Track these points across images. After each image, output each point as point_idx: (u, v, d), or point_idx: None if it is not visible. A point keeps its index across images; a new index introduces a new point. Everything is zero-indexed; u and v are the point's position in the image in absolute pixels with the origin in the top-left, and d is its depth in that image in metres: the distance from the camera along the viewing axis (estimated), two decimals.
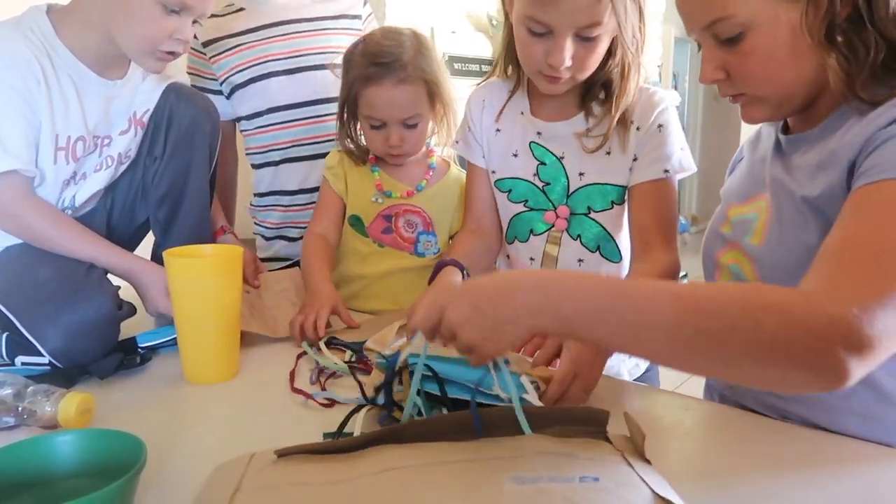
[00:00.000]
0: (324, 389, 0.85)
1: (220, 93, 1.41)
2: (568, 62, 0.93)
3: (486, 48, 3.14)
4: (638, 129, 1.03)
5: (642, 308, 0.57)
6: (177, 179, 1.14)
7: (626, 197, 1.06)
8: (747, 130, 0.93)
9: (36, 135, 0.97)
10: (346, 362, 0.93)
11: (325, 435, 0.70)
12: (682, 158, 1.03)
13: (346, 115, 1.22)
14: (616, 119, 1.01)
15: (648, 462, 0.58)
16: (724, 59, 0.74)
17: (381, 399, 0.71)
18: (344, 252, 1.26)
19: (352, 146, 1.24)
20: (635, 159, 1.04)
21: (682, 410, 0.81)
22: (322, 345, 0.97)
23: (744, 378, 0.61)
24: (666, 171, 1.01)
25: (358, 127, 1.23)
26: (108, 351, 0.91)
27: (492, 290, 0.60)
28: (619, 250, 1.09)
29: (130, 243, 1.18)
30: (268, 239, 1.48)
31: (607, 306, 0.58)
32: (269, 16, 1.37)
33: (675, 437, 0.74)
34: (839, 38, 0.68)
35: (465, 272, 1.03)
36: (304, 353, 0.97)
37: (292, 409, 0.79)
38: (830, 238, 0.62)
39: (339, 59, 1.30)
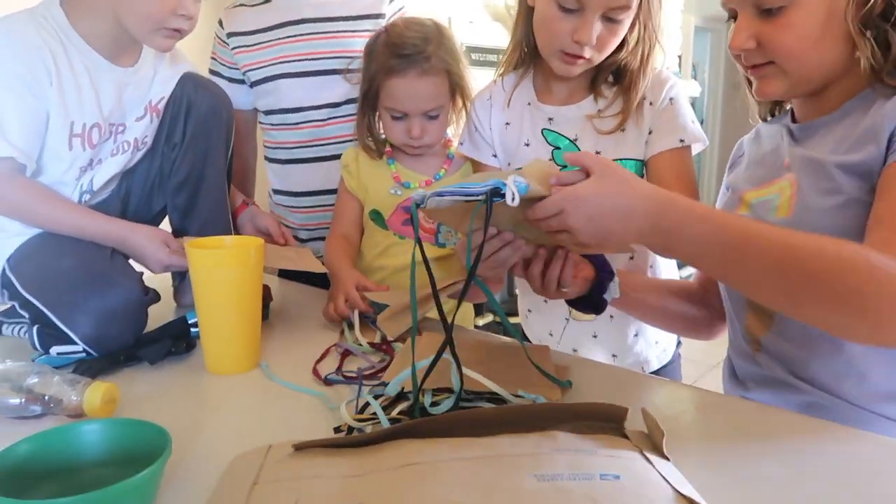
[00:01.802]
0: (340, 370, 0.88)
1: (241, 82, 1.41)
2: (594, 40, 0.96)
3: (504, 38, 3.10)
4: (651, 104, 1.05)
5: (746, 249, 0.67)
6: (195, 165, 1.15)
7: (644, 171, 1.07)
8: None
9: (39, 124, 0.98)
10: (371, 343, 0.96)
11: (336, 430, 0.70)
12: (695, 130, 1.05)
13: (365, 107, 1.22)
14: (636, 102, 1.03)
15: (667, 459, 0.58)
16: (758, 29, 0.78)
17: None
18: (365, 245, 1.27)
19: (369, 140, 1.24)
20: (650, 133, 1.05)
21: (702, 405, 0.80)
22: (356, 320, 1.01)
23: (805, 314, 0.70)
24: (682, 140, 1.04)
25: (377, 118, 1.23)
26: (138, 334, 0.93)
27: (609, 208, 0.69)
28: None
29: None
30: None
31: (713, 242, 0.68)
32: (290, 12, 1.37)
33: (694, 433, 0.74)
34: (868, 32, 0.73)
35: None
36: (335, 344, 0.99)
37: (313, 401, 0.80)
38: (880, 207, 0.70)
39: (354, 65, 1.30)
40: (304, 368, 0.89)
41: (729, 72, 5.70)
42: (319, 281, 1.28)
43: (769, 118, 0.96)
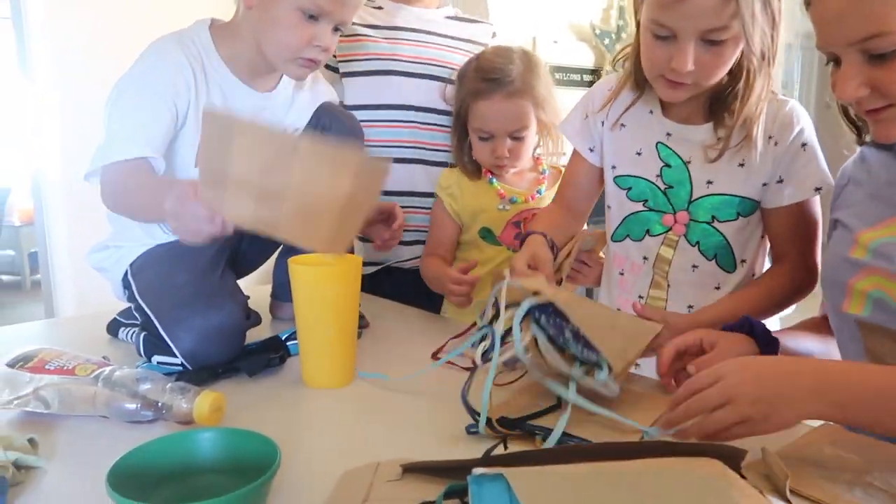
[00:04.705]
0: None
1: (335, 70, 1.41)
2: (690, 67, 0.90)
3: (588, 58, 3.09)
4: (776, 144, 0.99)
5: None
6: None
7: (759, 211, 1.03)
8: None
9: (170, 135, 1.00)
10: None
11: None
12: (827, 173, 1.00)
13: (458, 129, 1.27)
14: (737, 127, 0.97)
15: (789, 503, 0.55)
16: (871, 75, 0.72)
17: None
18: (478, 263, 1.28)
19: (466, 162, 1.29)
20: (780, 181, 1.00)
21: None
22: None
23: None
24: (818, 188, 0.99)
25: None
26: (234, 355, 0.95)
27: (774, 367, 0.67)
28: (735, 261, 1.05)
29: (260, 256, 1.22)
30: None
31: (889, 395, 0.62)
32: (402, 21, 1.41)
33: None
34: None
35: (553, 246, 1.03)
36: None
37: (411, 416, 0.81)
38: None
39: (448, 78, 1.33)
40: (398, 386, 0.90)
41: (820, 90, 5.45)
42: (410, 294, 1.30)
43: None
